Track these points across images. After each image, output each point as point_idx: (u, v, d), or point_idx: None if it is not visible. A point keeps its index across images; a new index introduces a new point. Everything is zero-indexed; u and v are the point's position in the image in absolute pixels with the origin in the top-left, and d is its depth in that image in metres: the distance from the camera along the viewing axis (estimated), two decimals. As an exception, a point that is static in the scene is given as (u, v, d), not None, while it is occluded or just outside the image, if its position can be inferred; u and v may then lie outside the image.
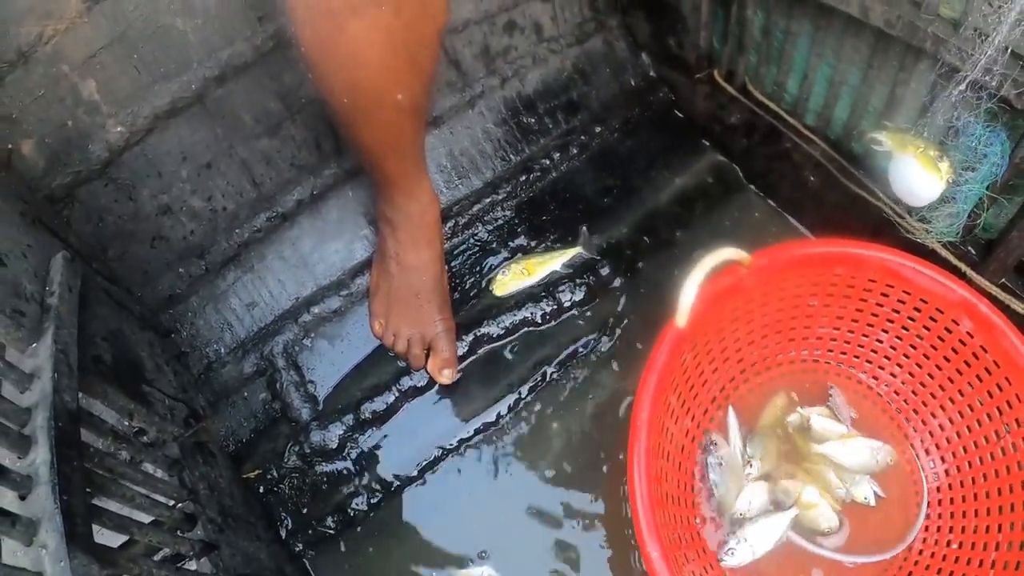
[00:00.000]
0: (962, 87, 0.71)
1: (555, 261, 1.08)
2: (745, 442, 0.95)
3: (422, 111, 0.87)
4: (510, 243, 1.11)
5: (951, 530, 0.88)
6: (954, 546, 0.86)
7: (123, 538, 0.63)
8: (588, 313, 1.07)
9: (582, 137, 1.16)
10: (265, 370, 1.05)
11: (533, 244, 1.11)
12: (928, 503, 0.91)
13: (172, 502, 0.74)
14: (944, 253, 0.87)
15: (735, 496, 0.90)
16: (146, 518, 0.67)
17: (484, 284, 1.09)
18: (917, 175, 0.79)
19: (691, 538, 0.87)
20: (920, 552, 0.88)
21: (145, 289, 1.00)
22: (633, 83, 1.20)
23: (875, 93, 0.89)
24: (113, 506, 0.61)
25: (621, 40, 1.20)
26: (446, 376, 1.02)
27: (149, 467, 0.78)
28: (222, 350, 1.06)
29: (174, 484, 0.80)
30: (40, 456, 0.54)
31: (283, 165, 1.05)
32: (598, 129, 1.17)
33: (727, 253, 0.80)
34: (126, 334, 0.90)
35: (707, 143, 1.17)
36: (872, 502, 0.90)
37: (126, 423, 0.78)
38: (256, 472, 1.00)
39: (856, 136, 0.95)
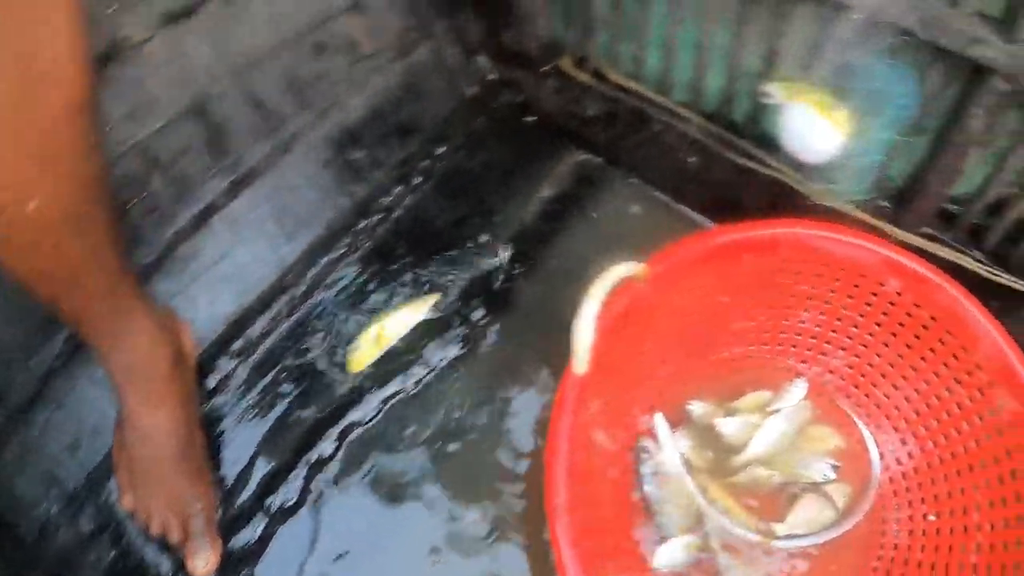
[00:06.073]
0: (855, 25, 0.64)
1: (413, 315, 0.94)
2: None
3: (96, 221, 0.65)
4: (362, 305, 0.95)
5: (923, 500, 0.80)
6: (930, 517, 0.79)
7: None
8: (467, 367, 0.93)
9: (423, 162, 1.02)
10: (107, 524, 0.86)
11: (391, 300, 0.96)
12: (891, 480, 0.84)
13: None
14: (856, 213, 0.81)
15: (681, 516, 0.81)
16: None
17: (341, 361, 0.93)
18: (812, 125, 0.73)
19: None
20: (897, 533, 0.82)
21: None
22: (471, 91, 1.07)
23: (750, 52, 0.81)
24: None
25: (450, 46, 1.07)
26: (200, 567, 0.82)
27: None
28: (53, 509, 0.87)
29: None
30: None
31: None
32: (440, 150, 1.04)
33: (618, 272, 0.68)
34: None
35: (567, 142, 1.06)
36: (832, 475, 0.83)
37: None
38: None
39: (736, 102, 0.88)
